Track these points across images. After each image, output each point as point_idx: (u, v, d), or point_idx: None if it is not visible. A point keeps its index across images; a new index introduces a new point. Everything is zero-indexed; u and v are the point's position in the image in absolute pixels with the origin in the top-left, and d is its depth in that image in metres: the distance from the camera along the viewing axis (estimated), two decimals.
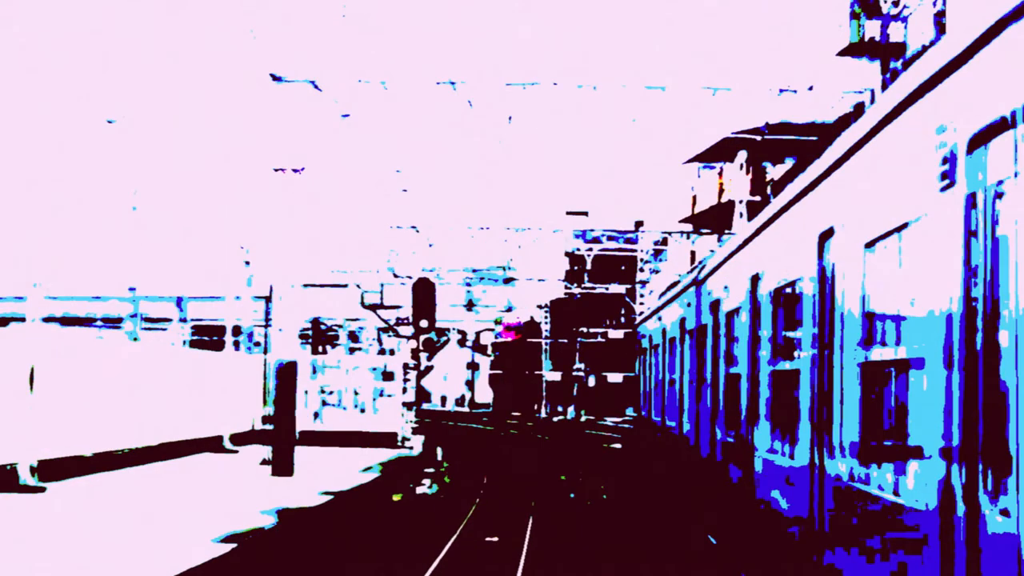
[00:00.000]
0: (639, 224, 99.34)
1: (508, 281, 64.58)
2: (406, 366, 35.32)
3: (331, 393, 52.49)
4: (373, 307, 36.60)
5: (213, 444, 31.76)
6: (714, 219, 61.50)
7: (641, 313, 64.69)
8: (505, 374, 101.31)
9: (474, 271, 79.65)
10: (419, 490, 35.90)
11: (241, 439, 34.52)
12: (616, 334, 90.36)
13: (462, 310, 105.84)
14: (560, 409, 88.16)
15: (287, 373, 20.60)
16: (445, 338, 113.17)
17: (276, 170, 19.60)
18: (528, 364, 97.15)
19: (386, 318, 49.65)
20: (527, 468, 43.24)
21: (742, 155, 59.38)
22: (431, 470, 44.03)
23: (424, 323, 37.68)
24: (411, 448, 36.61)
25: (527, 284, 78.95)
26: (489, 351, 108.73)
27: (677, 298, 14.85)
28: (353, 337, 68.31)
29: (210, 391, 30.44)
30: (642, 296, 71.11)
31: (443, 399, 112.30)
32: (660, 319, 16.97)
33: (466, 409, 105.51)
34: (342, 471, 24.84)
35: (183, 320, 71.77)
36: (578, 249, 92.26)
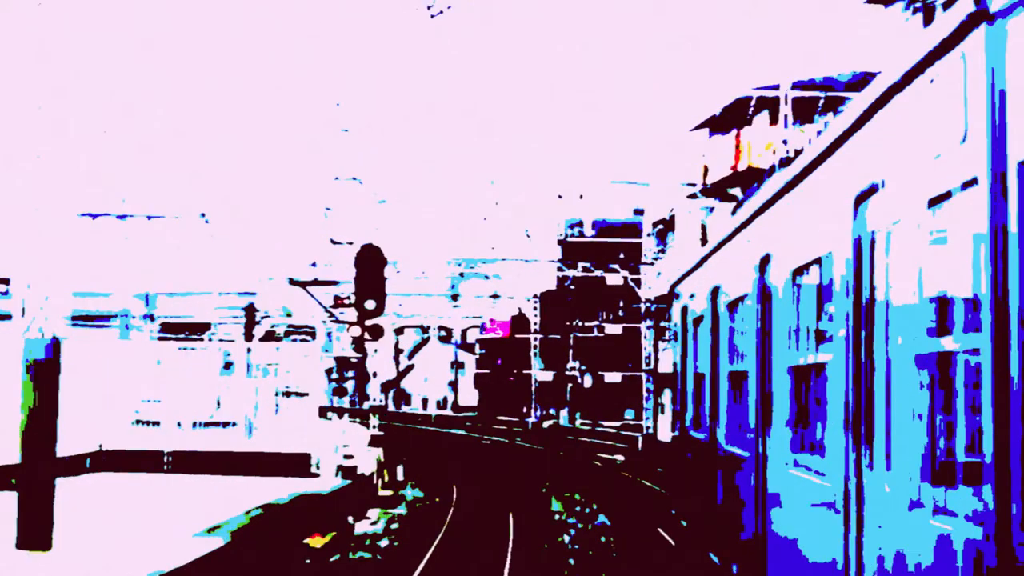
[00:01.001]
0: (640, 211, 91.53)
1: (487, 261, 56.14)
2: (347, 360, 26.78)
3: (287, 394, 44.32)
4: (303, 284, 27.95)
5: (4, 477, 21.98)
6: (728, 193, 53.10)
7: (646, 303, 56.64)
8: (492, 374, 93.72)
9: (459, 263, 71.93)
10: (360, 527, 27.00)
11: (63, 467, 24.92)
12: (614, 329, 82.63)
13: (444, 303, 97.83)
14: (552, 412, 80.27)
15: (44, 372, 11.35)
16: (426, 336, 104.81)
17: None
18: (517, 362, 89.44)
19: (347, 302, 40.93)
20: (511, 491, 34.63)
21: (764, 115, 50.86)
22: (387, 493, 35.21)
23: (371, 304, 29.08)
24: (355, 470, 27.79)
25: (515, 270, 70.94)
26: (476, 348, 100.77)
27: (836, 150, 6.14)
28: (311, 334, 59.86)
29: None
30: (648, 288, 62.70)
31: (424, 401, 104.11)
32: (748, 241, 8.36)
33: (449, 412, 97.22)
34: (164, 533, 15.68)
35: (149, 317, 64.70)
36: (571, 234, 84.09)
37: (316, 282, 28.75)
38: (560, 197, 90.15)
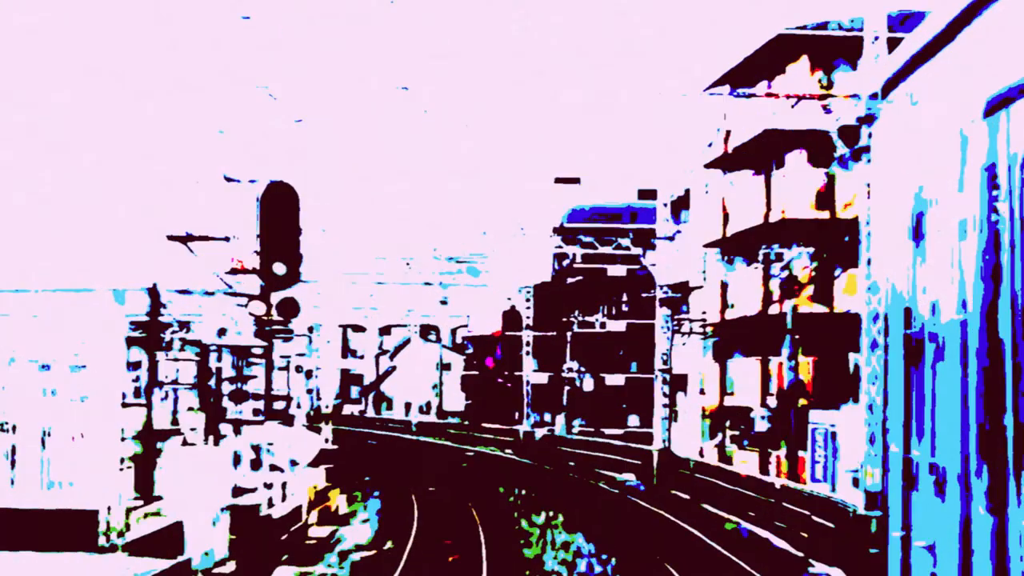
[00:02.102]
0: (645, 193, 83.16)
1: (479, 256, 48.05)
2: (248, 352, 19.20)
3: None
4: (183, 239, 19.28)
5: None
6: (757, 156, 44.73)
7: (662, 287, 48.04)
8: (481, 375, 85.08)
9: (448, 259, 63.57)
10: None
11: None
12: (617, 325, 74.18)
13: (431, 299, 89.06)
14: (547, 419, 71.54)
15: None
16: (406, 337, 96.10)
17: None
18: (508, 363, 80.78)
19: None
20: (489, 529, 25.79)
21: (803, 61, 42.23)
22: (322, 534, 26.38)
23: (280, 268, 20.02)
24: (256, 511, 19.14)
25: (507, 257, 62.58)
26: (467, 348, 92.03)
27: None
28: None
29: None
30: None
31: (407, 406, 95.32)
32: None
33: (433, 418, 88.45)
34: None
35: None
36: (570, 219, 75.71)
37: (204, 237, 20.09)
38: (557, 181, 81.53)
